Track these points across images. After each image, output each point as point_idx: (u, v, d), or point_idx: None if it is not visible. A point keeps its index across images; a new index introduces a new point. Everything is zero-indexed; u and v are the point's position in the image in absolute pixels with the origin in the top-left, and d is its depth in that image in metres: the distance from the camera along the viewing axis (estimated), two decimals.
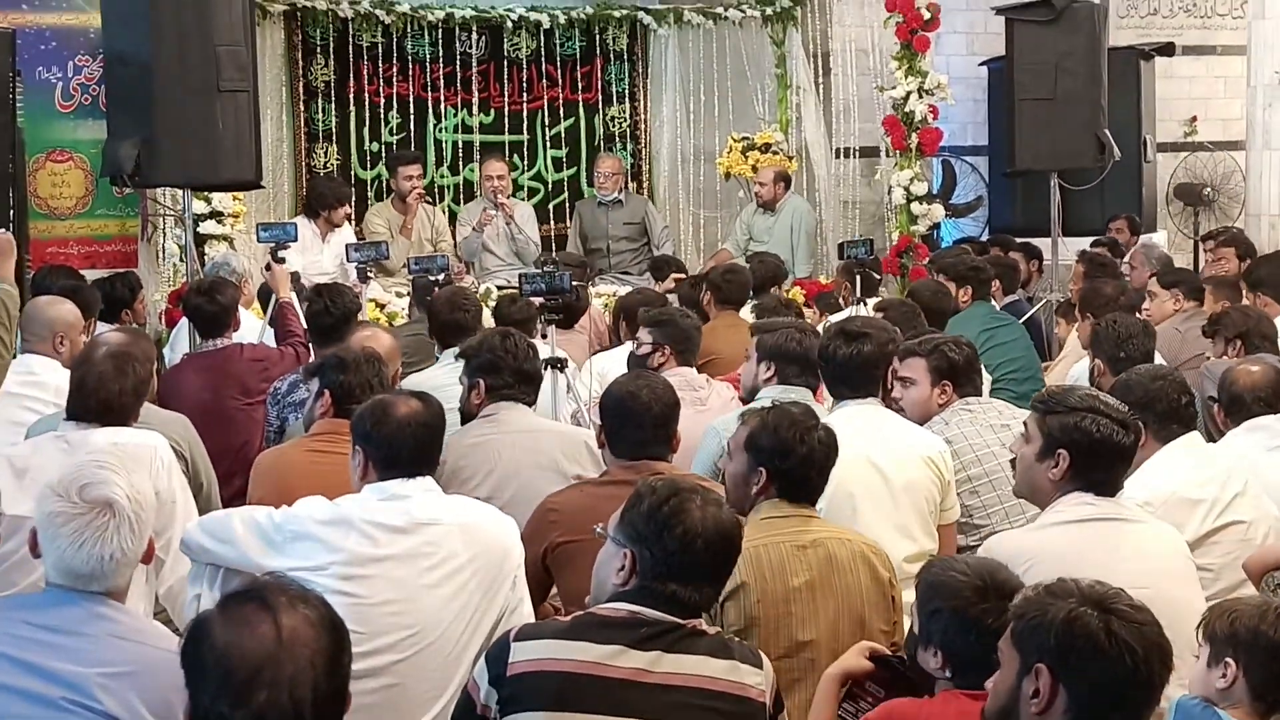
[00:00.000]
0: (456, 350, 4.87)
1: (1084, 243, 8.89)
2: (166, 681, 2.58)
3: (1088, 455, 3.35)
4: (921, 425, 4.39)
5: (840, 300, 7.50)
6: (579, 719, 2.62)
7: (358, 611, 3.10)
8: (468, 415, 4.32)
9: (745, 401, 4.54)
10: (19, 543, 3.19)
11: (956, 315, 6.45)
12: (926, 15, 9.06)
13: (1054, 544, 3.28)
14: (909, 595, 3.04)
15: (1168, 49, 10.47)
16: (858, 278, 7.11)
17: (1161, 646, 2.28)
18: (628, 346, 5.82)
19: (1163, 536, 3.46)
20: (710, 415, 4.71)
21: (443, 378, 4.91)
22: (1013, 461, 3.58)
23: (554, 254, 8.57)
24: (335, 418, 4.08)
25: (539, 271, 5.70)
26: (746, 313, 6.65)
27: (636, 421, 3.78)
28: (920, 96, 9.08)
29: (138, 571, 3.13)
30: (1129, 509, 3.47)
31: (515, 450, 4.18)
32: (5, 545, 3.58)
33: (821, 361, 4.30)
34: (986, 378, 5.31)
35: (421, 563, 3.23)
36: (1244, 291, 6.43)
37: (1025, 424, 3.52)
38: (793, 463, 3.36)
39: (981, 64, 10.54)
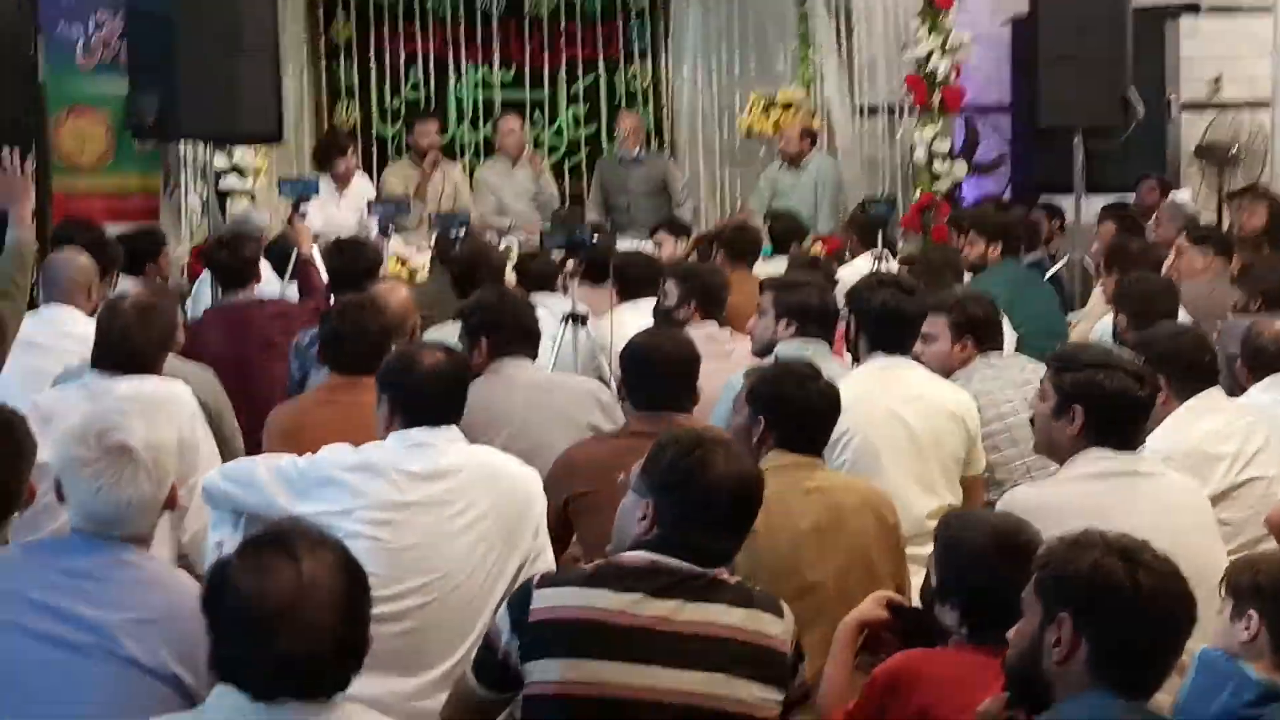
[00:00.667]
0: None
1: (1108, 201, 8.83)
2: (192, 629, 2.58)
3: (1102, 410, 3.34)
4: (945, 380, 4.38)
5: (848, 254, 7.40)
6: (599, 666, 2.63)
7: (382, 556, 3.14)
8: (471, 374, 4.33)
9: (758, 355, 4.54)
10: (44, 489, 3.20)
11: (985, 270, 6.42)
12: None
13: (1072, 498, 3.28)
14: (927, 549, 3.04)
15: (1192, 8, 10.37)
16: (880, 234, 7.10)
17: (1186, 597, 2.27)
18: (641, 303, 5.80)
19: (1183, 489, 3.45)
20: (734, 370, 4.71)
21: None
22: (1032, 419, 3.58)
23: (564, 208, 8.58)
24: (334, 370, 4.14)
25: (559, 226, 5.72)
26: (777, 269, 6.64)
27: (657, 374, 3.80)
28: (943, 54, 9.02)
29: (162, 519, 3.15)
30: (1148, 463, 3.46)
31: (526, 404, 4.22)
32: None
33: (866, 313, 4.25)
34: (1011, 334, 5.30)
35: (446, 509, 3.26)
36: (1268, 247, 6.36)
37: (1041, 381, 3.52)
38: (791, 411, 3.42)
39: (1004, 23, 10.45)
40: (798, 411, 3.42)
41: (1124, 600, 2.21)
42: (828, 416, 3.48)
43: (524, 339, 4.39)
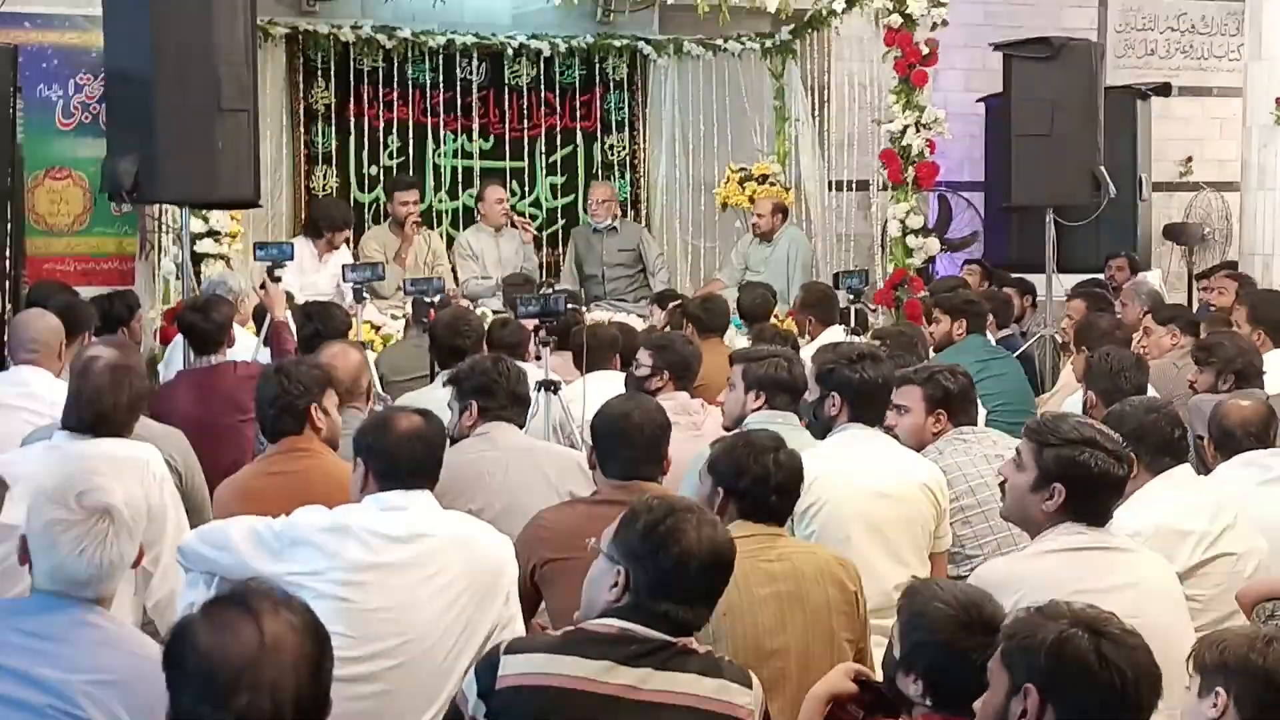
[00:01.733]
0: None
1: (1079, 280, 8.91)
2: (151, 690, 2.56)
3: (1083, 489, 3.35)
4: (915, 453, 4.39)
5: (807, 335, 7.32)
6: None
7: (353, 617, 3.13)
8: (457, 438, 4.34)
9: (729, 429, 4.54)
10: (7, 551, 3.18)
11: (951, 347, 6.46)
12: (925, 50, 9.10)
13: (1043, 571, 3.28)
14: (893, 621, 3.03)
15: (1164, 89, 10.54)
16: (852, 311, 7.11)
17: (1151, 671, 2.28)
18: (609, 372, 5.79)
19: (1152, 565, 3.46)
20: (704, 441, 4.70)
21: (441, 397, 4.92)
22: (1002, 484, 3.58)
23: (546, 278, 8.64)
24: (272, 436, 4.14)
25: (533, 295, 5.73)
26: (744, 341, 6.66)
27: (628, 442, 3.80)
28: (918, 130, 9.11)
29: (125, 583, 3.13)
30: (1118, 539, 3.47)
31: (509, 466, 4.23)
32: None
33: (848, 386, 4.22)
34: (980, 410, 5.32)
35: (417, 573, 3.26)
36: (1243, 323, 6.39)
37: (1018, 450, 3.51)
38: (748, 482, 3.42)
39: (979, 100, 10.59)
40: (756, 482, 3.42)
41: (1089, 672, 2.21)
42: (787, 487, 3.48)
43: (515, 405, 4.42)
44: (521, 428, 4.49)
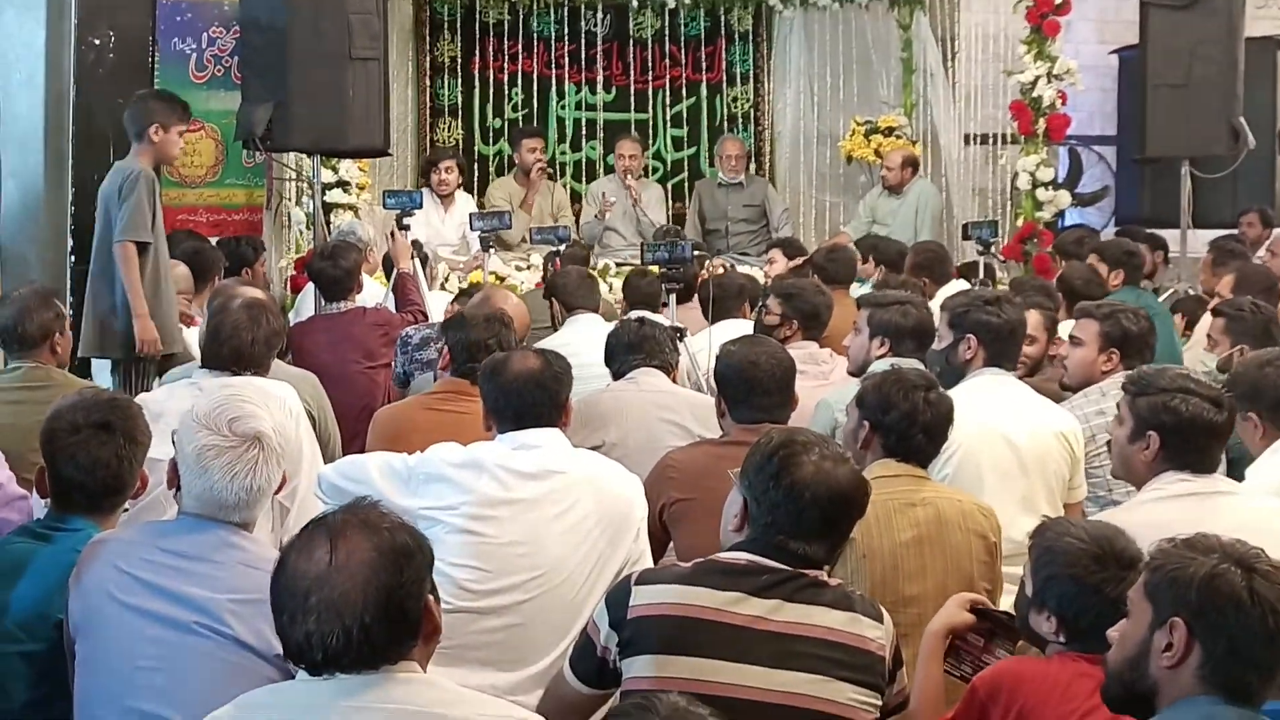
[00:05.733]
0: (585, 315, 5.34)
1: (1213, 235, 8.69)
2: None
3: (1178, 435, 3.30)
4: (1080, 389, 4.40)
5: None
6: (697, 663, 2.62)
7: (486, 551, 3.18)
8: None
9: (854, 374, 4.52)
10: (154, 483, 3.26)
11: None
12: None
13: (1153, 518, 3.18)
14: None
15: None
16: (981, 263, 7.02)
17: None
18: (731, 323, 5.78)
19: (1263, 509, 3.36)
20: (832, 388, 4.70)
21: (563, 342, 4.99)
22: (1108, 443, 3.53)
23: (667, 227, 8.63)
24: (456, 376, 4.16)
25: (661, 241, 5.74)
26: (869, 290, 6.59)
27: (759, 388, 3.81)
28: (1049, 81, 8.93)
29: (263, 517, 3.20)
30: (1224, 483, 3.40)
31: (646, 405, 4.32)
32: None
33: (986, 329, 4.16)
34: None
35: (549, 508, 3.29)
36: None
37: (1118, 406, 3.48)
38: (894, 418, 3.39)
39: (1112, 52, 10.36)
40: (903, 418, 3.39)
41: (1242, 610, 2.17)
42: (934, 428, 3.43)
43: (634, 353, 4.50)
44: (667, 373, 4.56)
